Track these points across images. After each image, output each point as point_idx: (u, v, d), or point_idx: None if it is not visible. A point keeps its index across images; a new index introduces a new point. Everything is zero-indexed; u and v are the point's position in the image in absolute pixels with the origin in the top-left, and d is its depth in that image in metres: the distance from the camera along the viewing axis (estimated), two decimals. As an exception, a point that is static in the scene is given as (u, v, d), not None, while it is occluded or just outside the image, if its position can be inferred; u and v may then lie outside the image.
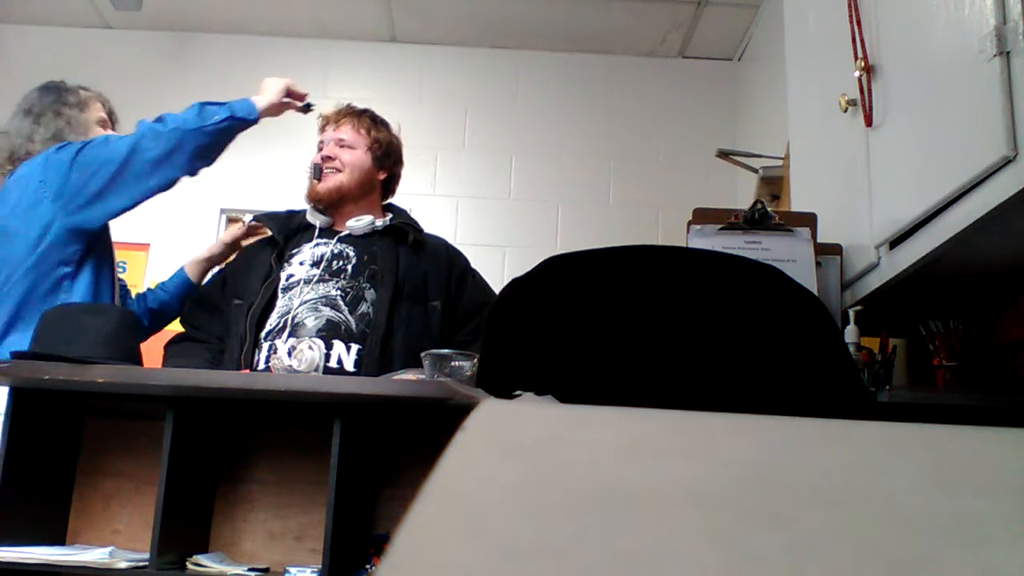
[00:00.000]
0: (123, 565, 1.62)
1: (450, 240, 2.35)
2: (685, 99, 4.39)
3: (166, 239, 4.11)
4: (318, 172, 2.18)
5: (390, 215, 2.25)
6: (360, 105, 2.34)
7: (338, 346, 1.99)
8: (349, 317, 2.02)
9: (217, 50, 4.44)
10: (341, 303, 2.04)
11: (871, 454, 0.36)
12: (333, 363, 1.98)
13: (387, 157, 2.27)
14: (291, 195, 2.50)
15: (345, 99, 2.36)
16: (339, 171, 2.19)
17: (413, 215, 2.34)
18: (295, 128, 4.12)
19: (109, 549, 1.68)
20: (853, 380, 1.04)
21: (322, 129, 2.26)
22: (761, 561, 0.26)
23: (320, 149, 2.23)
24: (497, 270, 3.93)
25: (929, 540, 0.28)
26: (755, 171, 3.45)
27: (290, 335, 1.99)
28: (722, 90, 4.38)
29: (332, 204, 2.18)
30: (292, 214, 2.25)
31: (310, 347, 1.94)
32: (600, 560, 0.26)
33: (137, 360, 1.84)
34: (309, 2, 4.22)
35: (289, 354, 1.95)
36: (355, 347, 1.99)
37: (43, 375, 1.65)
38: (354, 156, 2.21)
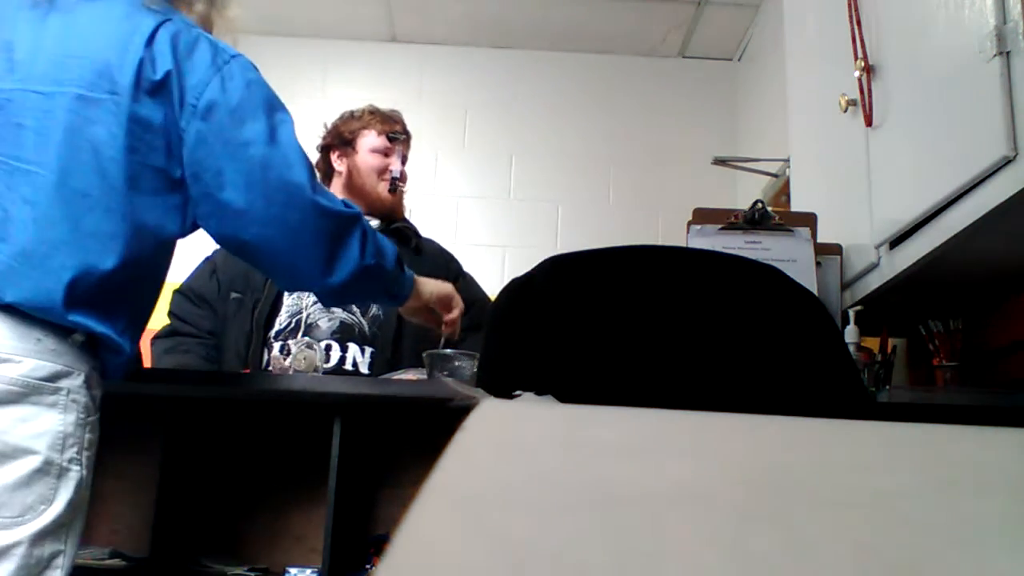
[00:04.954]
0: (123, 565, 1.62)
1: (450, 240, 2.36)
2: (685, 99, 4.39)
3: (166, 239, 4.11)
4: (395, 188, 2.20)
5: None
6: (359, 105, 2.33)
7: (353, 348, 2.00)
8: (361, 319, 2.03)
9: (217, 50, 4.44)
10: (352, 305, 2.04)
11: (871, 454, 0.36)
12: (348, 365, 1.98)
13: None
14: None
15: (345, 99, 2.36)
16: (405, 190, 2.24)
17: (413, 215, 2.35)
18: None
19: (109, 549, 1.68)
20: (853, 380, 1.04)
21: (391, 138, 2.24)
22: (761, 561, 0.26)
23: (382, 152, 2.22)
24: (497, 270, 3.92)
25: (929, 540, 0.28)
26: (773, 175, 3.46)
27: (304, 336, 1.99)
28: (722, 90, 4.38)
29: (392, 220, 2.21)
30: None
31: (310, 347, 1.94)
32: (600, 560, 0.26)
33: (137, 360, 1.84)
34: (309, 2, 4.22)
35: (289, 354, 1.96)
36: (369, 349, 2.00)
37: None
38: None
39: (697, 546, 0.27)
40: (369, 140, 2.22)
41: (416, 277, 1.59)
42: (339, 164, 2.23)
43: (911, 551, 0.27)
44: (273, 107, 1.36)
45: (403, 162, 2.23)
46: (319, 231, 1.35)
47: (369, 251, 1.42)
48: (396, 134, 2.23)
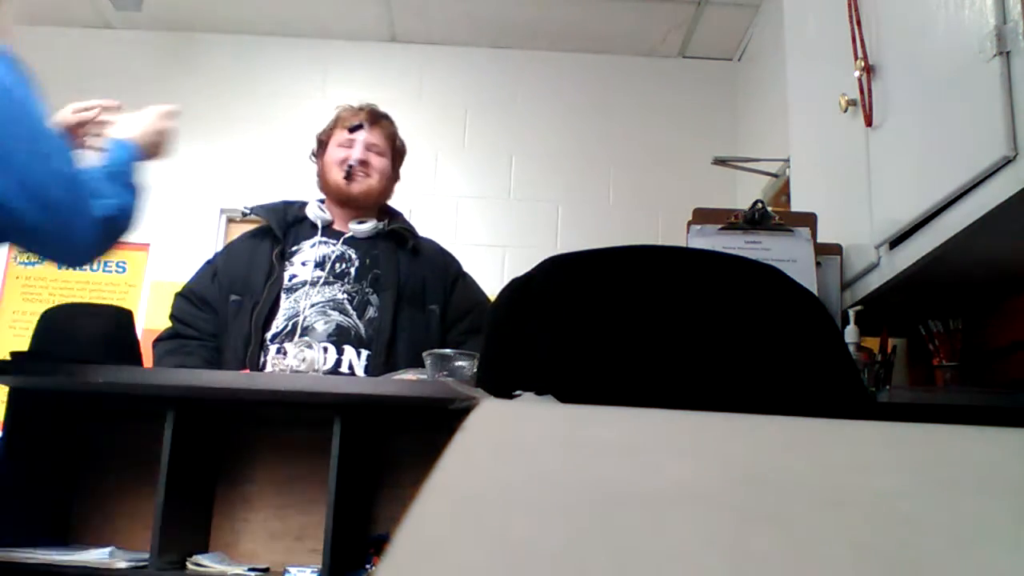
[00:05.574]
0: (123, 565, 1.62)
1: (450, 240, 2.35)
2: (685, 99, 4.39)
3: (166, 239, 4.11)
4: (350, 173, 2.17)
5: (386, 218, 2.25)
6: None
7: (349, 351, 2.00)
8: (358, 322, 2.03)
9: (217, 50, 4.44)
10: (349, 307, 2.04)
11: (871, 454, 0.36)
12: (344, 368, 1.98)
13: (400, 166, 2.30)
14: (290, 195, 2.49)
15: (345, 99, 2.35)
16: (369, 176, 2.19)
17: (413, 215, 2.35)
18: (294, 127, 4.12)
19: (109, 549, 1.68)
20: (853, 380, 1.04)
21: (352, 127, 2.23)
22: (761, 561, 0.26)
23: (346, 145, 2.20)
24: (497, 270, 3.93)
25: (929, 540, 0.28)
26: (773, 175, 3.46)
27: (300, 338, 1.98)
28: (722, 90, 4.38)
29: (362, 208, 2.19)
30: (288, 205, 2.24)
31: (310, 347, 1.94)
32: (600, 560, 0.26)
33: (137, 360, 1.84)
34: (309, 2, 4.22)
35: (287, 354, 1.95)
36: (365, 352, 2.00)
37: (43, 375, 1.65)
38: (382, 163, 2.22)
39: (697, 546, 0.27)
40: (337, 138, 2.23)
41: (132, 145, 1.59)
42: (319, 168, 2.25)
43: (911, 551, 0.27)
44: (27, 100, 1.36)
45: (368, 148, 2.20)
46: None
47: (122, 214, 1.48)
48: (355, 125, 2.23)
